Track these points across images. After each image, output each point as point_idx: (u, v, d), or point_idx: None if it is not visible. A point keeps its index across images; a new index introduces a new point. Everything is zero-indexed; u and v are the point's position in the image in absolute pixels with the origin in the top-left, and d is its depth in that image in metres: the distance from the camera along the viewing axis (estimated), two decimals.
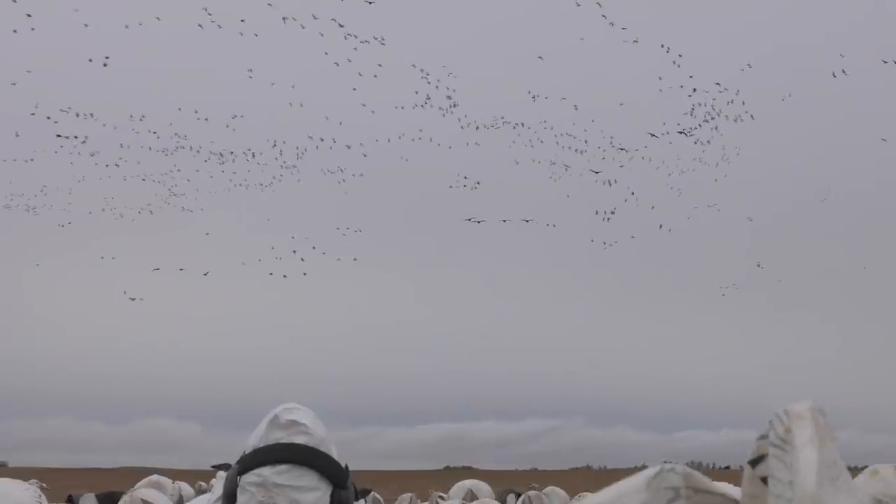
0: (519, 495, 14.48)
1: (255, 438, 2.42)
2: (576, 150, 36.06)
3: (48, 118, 33.23)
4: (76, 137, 33.87)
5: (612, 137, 35.68)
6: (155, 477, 11.48)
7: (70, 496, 9.82)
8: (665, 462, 1.33)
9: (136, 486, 8.30)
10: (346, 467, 2.48)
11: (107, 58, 33.01)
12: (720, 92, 34.09)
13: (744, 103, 34.29)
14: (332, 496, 2.38)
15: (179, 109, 35.66)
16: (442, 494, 13.36)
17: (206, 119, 35.19)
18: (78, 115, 33.66)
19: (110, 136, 34.48)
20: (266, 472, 2.34)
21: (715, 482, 1.34)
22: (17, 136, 34.87)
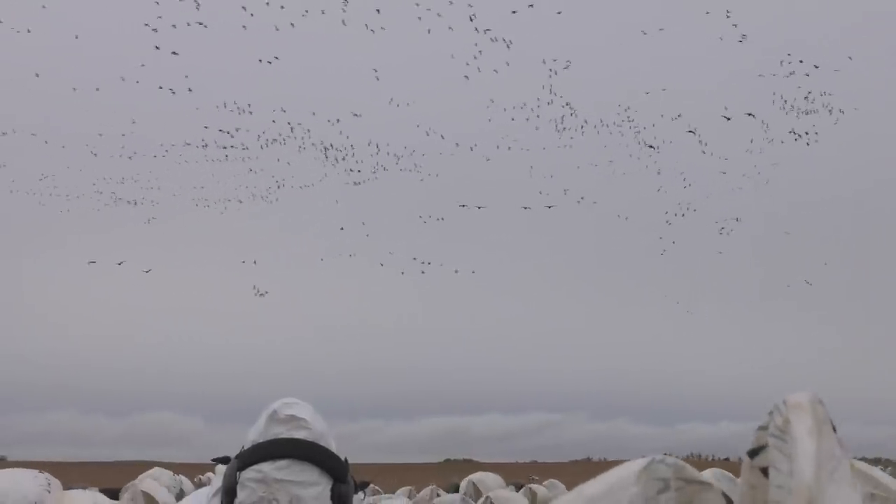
0: (519, 488, 14.49)
1: (255, 433, 2.42)
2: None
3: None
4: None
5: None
6: (156, 470, 11.48)
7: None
8: (657, 454, 1.33)
9: (138, 479, 8.29)
10: (346, 461, 2.48)
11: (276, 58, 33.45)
12: None
13: None
14: (332, 490, 2.38)
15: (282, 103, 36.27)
16: (439, 490, 13.34)
17: (313, 113, 35.60)
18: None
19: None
20: (266, 467, 2.34)
21: (704, 470, 1.35)
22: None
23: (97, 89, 36.51)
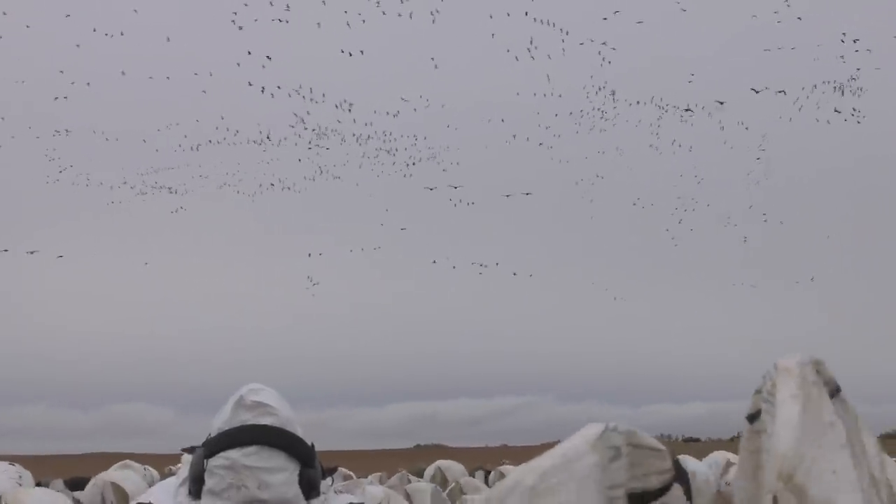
0: (488, 473, 14.53)
1: (221, 421, 2.42)
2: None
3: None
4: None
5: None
6: (125, 462, 11.41)
7: (39, 483, 9.77)
8: (610, 422, 1.34)
9: (107, 471, 8.25)
10: (313, 446, 2.49)
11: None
12: None
13: None
14: (300, 475, 2.39)
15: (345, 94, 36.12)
16: (410, 476, 13.37)
17: (351, 105, 35.44)
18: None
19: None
20: (234, 454, 2.34)
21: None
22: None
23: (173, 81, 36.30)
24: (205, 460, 2.37)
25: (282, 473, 2.36)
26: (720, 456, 6.74)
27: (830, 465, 1.19)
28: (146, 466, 12.30)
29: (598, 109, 35.30)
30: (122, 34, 33.34)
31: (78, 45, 33.03)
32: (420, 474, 13.81)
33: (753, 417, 1.26)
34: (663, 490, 1.31)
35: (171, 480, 2.53)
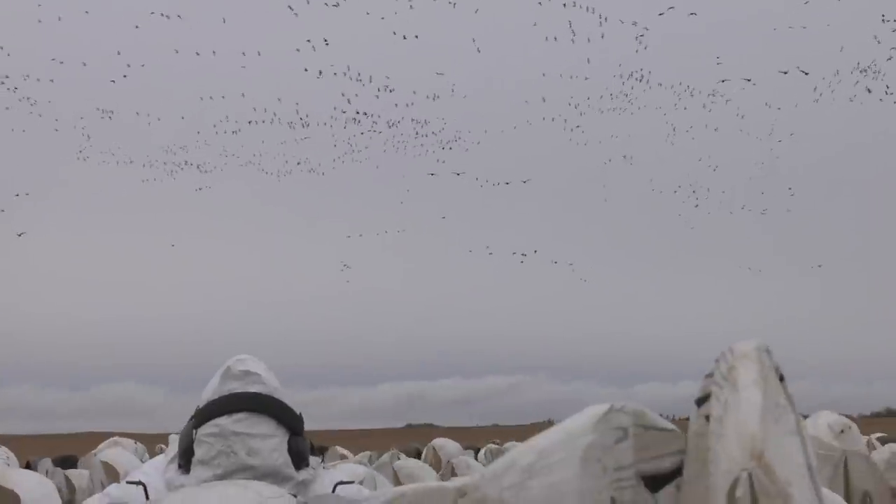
0: (477, 451, 14.57)
1: (209, 392, 2.42)
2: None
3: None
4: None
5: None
6: (116, 439, 11.41)
7: (28, 462, 9.76)
8: (616, 402, 1.32)
9: (97, 449, 8.24)
10: (300, 416, 2.49)
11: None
12: None
13: None
14: (289, 444, 2.39)
15: (388, 77, 36.41)
16: (400, 454, 13.42)
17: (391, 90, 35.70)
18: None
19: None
20: (223, 421, 2.34)
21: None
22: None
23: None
24: (194, 430, 2.37)
25: (271, 440, 2.35)
26: None
27: (790, 448, 1.21)
28: (136, 441, 12.30)
29: (624, 94, 35.51)
30: (179, 17, 33.63)
31: (137, 27, 33.25)
32: (410, 453, 13.87)
33: (702, 401, 1.26)
34: (678, 471, 1.30)
35: (161, 458, 2.52)
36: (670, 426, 1.31)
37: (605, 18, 33.15)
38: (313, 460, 2.51)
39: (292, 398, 2.54)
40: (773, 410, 1.23)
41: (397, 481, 9.48)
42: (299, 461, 2.41)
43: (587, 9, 32.79)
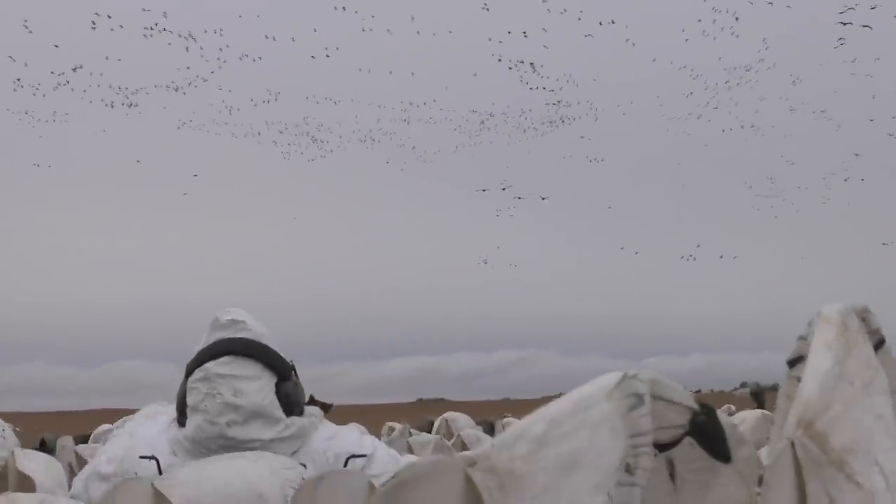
0: (490, 426, 14.60)
1: (199, 344, 2.46)
2: None
3: None
4: None
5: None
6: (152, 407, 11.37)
7: (43, 440, 9.79)
8: (629, 370, 1.31)
9: (114, 425, 8.24)
10: (292, 364, 2.51)
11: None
12: None
13: None
14: (277, 389, 2.40)
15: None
16: (412, 429, 13.49)
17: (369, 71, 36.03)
18: None
19: None
20: (209, 365, 2.38)
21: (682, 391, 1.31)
22: None
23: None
24: (185, 381, 2.42)
25: (256, 381, 2.37)
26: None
27: (876, 410, 1.20)
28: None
29: (726, 83, 35.36)
30: None
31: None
32: (422, 428, 13.92)
33: (793, 363, 1.25)
34: (672, 444, 1.29)
35: (162, 420, 2.53)
36: (681, 399, 1.30)
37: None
38: (314, 410, 2.52)
39: (303, 373, 2.55)
40: (852, 375, 1.21)
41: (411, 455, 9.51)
42: (290, 407, 2.42)
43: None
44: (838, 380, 1.21)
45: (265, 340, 2.46)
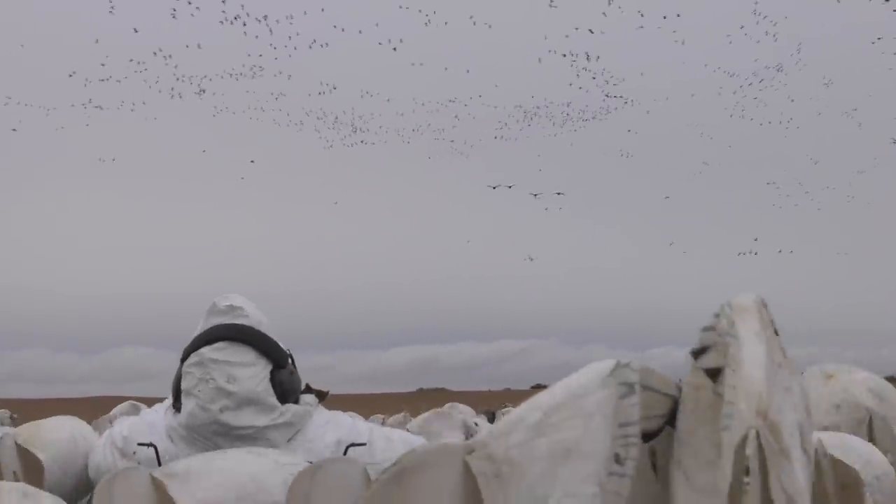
0: (491, 415, 14.62)
1: (197, 330, 2.46)
2: None
3: None
4: None
5: None
6: (128, 404, 11.39)
7: None
8: (621, 359, 1.31)
9: (111, 413, 8.24)
10: (289, 352, 2.51)
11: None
12: None
13: None
14: (272, 376, 2.40)
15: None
16: (410, 418, 13.50)
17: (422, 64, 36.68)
18: None
19: None
20: (204, 350, 2.37)
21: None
22: None
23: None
24: (180, 365, 2.42)
25: (250, 368, 2.36)
26: None
27: (790, 403, 1.23)
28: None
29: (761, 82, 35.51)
30: None
31: None
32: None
33: (699, 353, 1.23)
34: (655, 433, 1.30)
35: (166, 403, 2.53)
36: (668, 389, 1.30)
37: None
38: (310, 398, 2.51)
39: (302, 362, 2.55)
40: (772, 365, 1.23)
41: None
42: (284, 395, 2.41)
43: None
44: (777, 368, 1.24)
45: (263, 328, 2.45)
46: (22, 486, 2.65)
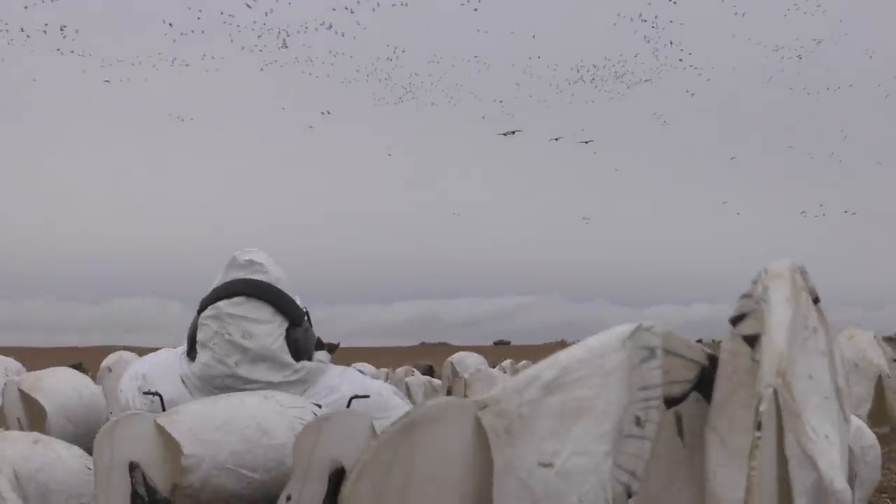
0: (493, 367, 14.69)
1: (215, 282, 2.46)
2: None
3: None
4: None
5: None
6: (119, 353, 11.40)
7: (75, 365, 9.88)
8: (643, 321, 1.32)
9: (102, 363, 8.24)
10: (306, 311, 2.51)
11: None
12: None
13: None
14: (288, 334, 2.40)
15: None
16: (414, 370, 13.58)
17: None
18: None
19: None
20: (221, 304, 2.37)
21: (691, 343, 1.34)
22: None
23: None
24: (197, 316, 2.42)
25: (266, 325, 2.37)
26: None
27: (809, 369, 1.23)
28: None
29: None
30: None
31: None
32: (422, 370, 14.02)
33: (737, 320, 1.26)
34: (681, 398, 1.31)
35: (163, 353, 2.53)
36: (692, 353, 1.31)
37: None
38: (322, 355, 2.52)
39: (315, 314, 2.55)
40: (802, 331, 1.24)
41: (409, 396, 9.58)
42: (298, 352, 2.42)
43: None
44: (812, 332, 1.26)
45: (281, 285, 2.45)
46: (34, 434, 2.64)
